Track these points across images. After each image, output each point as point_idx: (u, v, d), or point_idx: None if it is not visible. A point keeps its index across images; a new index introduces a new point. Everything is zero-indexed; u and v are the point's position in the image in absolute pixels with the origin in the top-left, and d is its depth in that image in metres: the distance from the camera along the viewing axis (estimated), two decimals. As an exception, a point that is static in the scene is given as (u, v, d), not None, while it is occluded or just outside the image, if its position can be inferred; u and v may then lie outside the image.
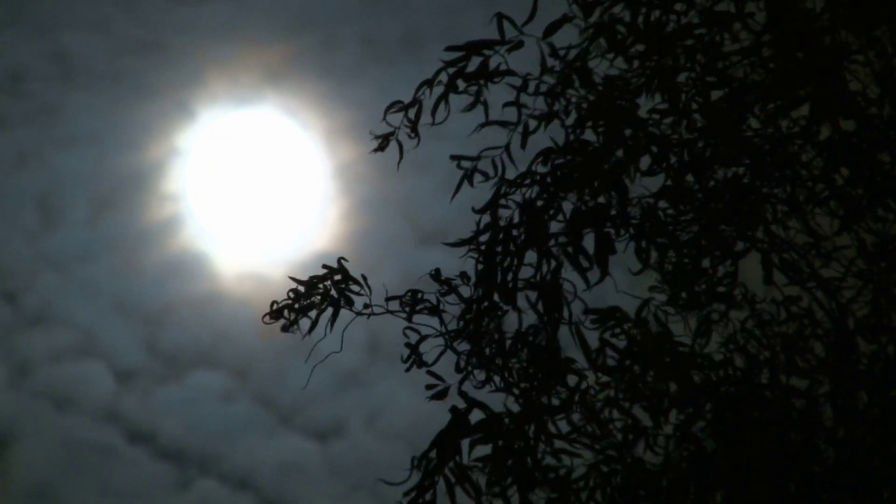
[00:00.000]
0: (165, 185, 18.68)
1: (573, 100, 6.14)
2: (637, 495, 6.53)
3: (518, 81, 6.17)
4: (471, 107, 6.20)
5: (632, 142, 5.99)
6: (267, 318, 6.64)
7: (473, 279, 6.29)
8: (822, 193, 6.33)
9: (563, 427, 6.26)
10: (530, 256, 6.08)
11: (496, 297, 6.19)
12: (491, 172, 6.20)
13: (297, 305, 6.62)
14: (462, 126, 6.33)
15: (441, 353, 6.47)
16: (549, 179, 6.05)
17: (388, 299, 6.57)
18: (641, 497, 6.53)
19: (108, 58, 19.52)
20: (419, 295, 6.58)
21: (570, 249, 5.95)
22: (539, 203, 6.04)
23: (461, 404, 5.98)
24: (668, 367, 6.47)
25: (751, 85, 6.17)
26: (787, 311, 6.81)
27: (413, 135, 6.37)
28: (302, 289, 6.63)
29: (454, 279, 6.54)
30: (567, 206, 6.06)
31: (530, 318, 6.22)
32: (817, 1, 6.22)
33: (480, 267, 6.18)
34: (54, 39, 19.43)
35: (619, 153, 5.97)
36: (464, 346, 6.43)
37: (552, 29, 6.02)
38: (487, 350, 6.35)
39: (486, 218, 6.17)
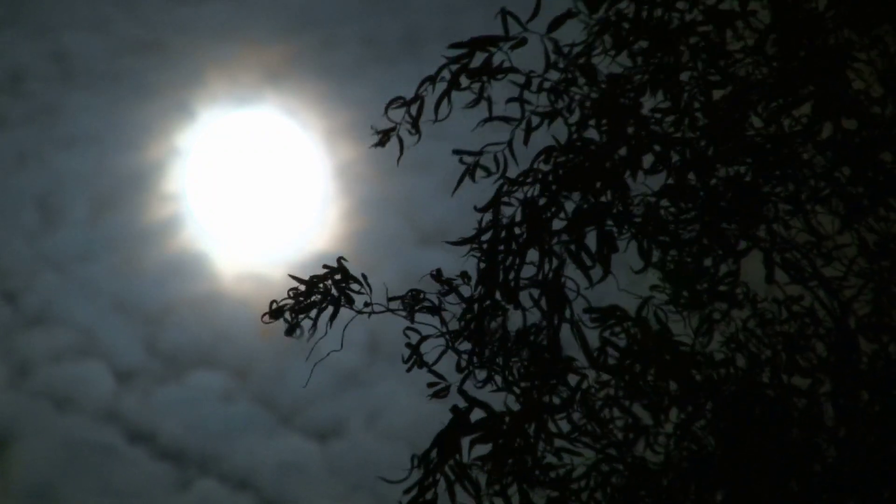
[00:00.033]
0: (165, 185, 18.69)
1: (576, 97, 6.13)
2: (637, 494, 6.53)
3: (521, 79, 6.17)
4: (474, 103, 6.19)
5: (634, 140, 5.98)
6: (266, 318, 6.63)
7: (474, 278, 6.28)
8: (824, 192, 6.33)
9: (564, 426, 6.26)
10: (532, 255, 6.08)
11: (498, 296, 6.18)
12: (493, 168, 6.20)
13: (297, 306, 6.61)
14: (462, 126, 6.34)
15: (442, 353, 6.47)
16: (550, 178, 6.04)
17: (389, 300, 6.57)
18: (642, 496, 6.53)
19: (108, 58, 19.53)
20: (420, 295, 6.58)
21: (572, 247, 5.94)
22: (541, 201, 6.03)
23: (462, 404, 5.96)
24: (669, 365, 6.46)
25: (753, 83, 6.17)
26: (788, 310, 6.82)
27: (414, 131, 6.35)
28: (302, 288, 6.62)
29: (455, 279, 6.54)
30: (569, 205, 6.06)
31: (532, 316, 6.22)
32: (820, 0, 6.22)
33: (482, 266, 6.17)
34: (54, 39, 19.45)
35: (622, 151, 5.96)
36: (465, 346, 6.43)
37: (556, 24, 6.01)
38: (489, 349, 6.35)
39: (488, 217, 6.16)
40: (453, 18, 18.45)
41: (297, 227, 17.45)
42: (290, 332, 6.63)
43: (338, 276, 6.63)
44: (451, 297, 6.56)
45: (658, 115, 6.22)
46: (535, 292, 6.09)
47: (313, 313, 6.62)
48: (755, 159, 6.23)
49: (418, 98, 6.29)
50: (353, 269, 6.64)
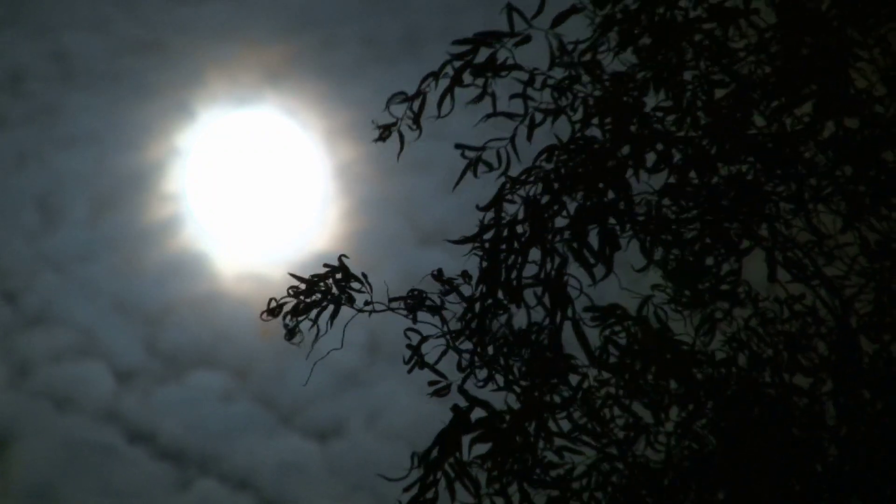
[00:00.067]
0: (165, 185, 18.70)
1: (580, 95, 6.13)
2: (638, 494, 6.52)
3: (525, 76, 6.16)
4: (478, 99, 6.18)
5: (637, 138, 5.97)
6: (265, 315, 6.62)
7: (475, 278, 6.27)
8: (826, 191, 6.32)
9: (565, 425, 6.26)
10: (535, 254, 6.07)
11: (500, 295, 6.17)
12: (495, 164, 6.19)
13: (297, 308, 6.60)
14: (463, 126, 6.33)
15: (443, 353, 6.47)
16: (553, 176, 6.03)
17: (391, 300, 6.57)
18: (643, 495, 6.52)
19: (108, 58, 19.53)
20: (422, 295, 6.57)
21: (574, 245, 5.93)
22: (543, 200, 6.03)
23: (463, 403, 5.96)
24: (670, 364, 6.46)
25: (756, 82, 6.17)
26: (790, 309, 6.81)
27: (415, 127, 6.34)
28: (303, 286, 6.61)
29: (455, 278, 6.54)
30: (571, 203, 6.05)
31: (533, 315, 6.21)
32: (823, -1, 6.22)
33: (484, 265, 6.17)
34: (54, 39, 19.45)
35: (625, 150, 5.96)
36: (465, 346, 6.42)
37: (560, 19, 6.00)
38: (490, 348, 6.34)
39: (489, 215, 6.15)
40: (453, 18, 18.46)
41: (297, 227, 17.46)
42: (289, 336, 6.62)
43: (339, 275, 6.62)
44: (452, 297, 6.55)
45: (660, 114, 6.21)
46: (538, 291, 6.09)
47: (313, 314, 6.61)
48: (757, 158, 6.22)
49: (420, 94, 6.28)
50: (354, 268, 6.65)
